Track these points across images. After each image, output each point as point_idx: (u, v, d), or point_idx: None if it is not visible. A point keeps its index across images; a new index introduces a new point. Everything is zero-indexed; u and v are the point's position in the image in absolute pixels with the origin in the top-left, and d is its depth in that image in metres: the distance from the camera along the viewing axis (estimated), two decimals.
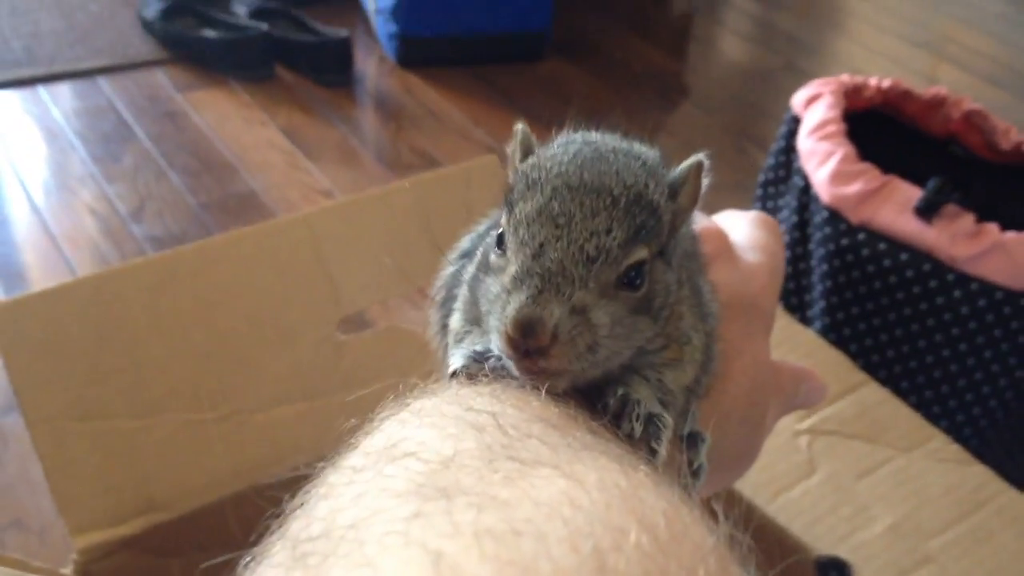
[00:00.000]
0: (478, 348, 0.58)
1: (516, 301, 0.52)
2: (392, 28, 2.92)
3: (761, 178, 2.03)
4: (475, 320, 0.60)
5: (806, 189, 1.84)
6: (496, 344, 0.54)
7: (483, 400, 0.50)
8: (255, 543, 0.43)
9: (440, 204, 1.18)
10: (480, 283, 0.57)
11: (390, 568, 0.35)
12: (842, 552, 1.15)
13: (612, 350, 0.54)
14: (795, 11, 3.76)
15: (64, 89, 2.68)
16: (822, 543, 1.16)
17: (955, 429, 1.73)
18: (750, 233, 0.82)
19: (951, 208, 1.64)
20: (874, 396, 1.36)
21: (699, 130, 2.88)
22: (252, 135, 2.58)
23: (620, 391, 0.57)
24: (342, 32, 2.89)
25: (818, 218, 1.80)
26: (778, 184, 1.97)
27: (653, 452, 0.55)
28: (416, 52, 2.95)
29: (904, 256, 1.68)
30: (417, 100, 2.83)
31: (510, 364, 0.53)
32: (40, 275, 2.04)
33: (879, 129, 1.98)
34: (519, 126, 0.61)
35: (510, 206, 0.56)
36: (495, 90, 2.92)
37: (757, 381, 0.72)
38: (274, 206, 2.31)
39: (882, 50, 3.52)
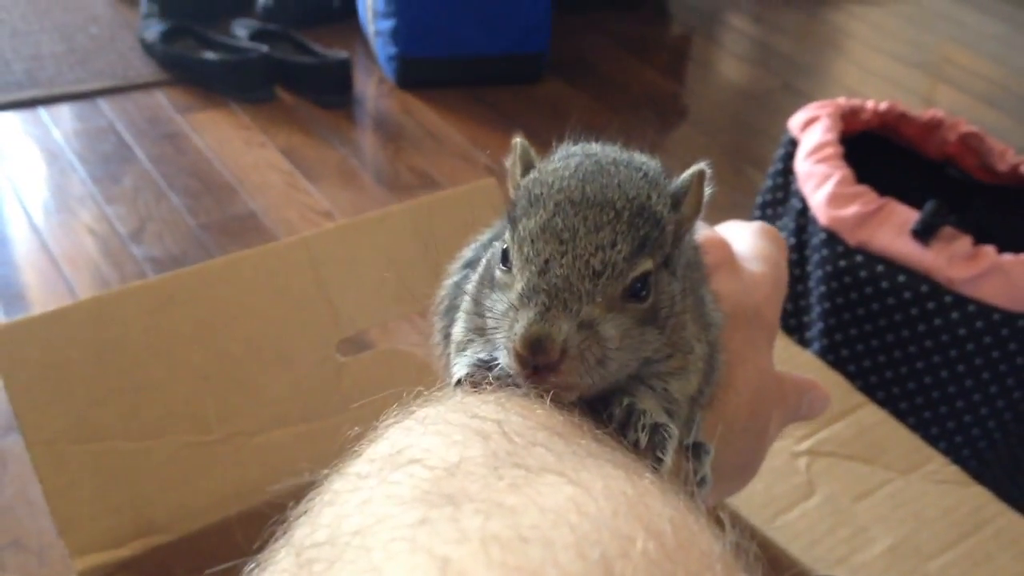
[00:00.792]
0: (482, 356, 0.58)
1: (524, 318, 0.52)
2: (392, 50, 2.93)
3: (759, 200, 2.04)
4: (478, 329, 0.60)
5: (803, 211, 1.85)
6: (505, 360, 0.54)
7: (488, 408, 0.50)
8: (259, 550, 0.42)
9: (439, 227, 1.18)
10: (485, 297, 0.58)
11: (397, 574, 0.35)
12: (840, 574, 1.15)
13: (621, 362, 0.55)
14: (793, 33, 3.78)
15: (65, 111, 2.69)
16: (821, 565, 1.16)
17: (953, 450, 1.73)
18: (753, 243, 0.82)
19: (948, 230, 1.65)
20: (872, 417, 1.36)
21: (697, 151, 2.89)
22: (252, 156, 2.58)
23: (626, 401, 0.57)
24: (342, 54, 2.90)
25: (815, 240, 1.80)
26: (776, 206, 1.98)
27: (659, 461, 0.55)
28: (415, 73, 2.97)
29: (901, 278, 1.68)
30: (416, 121, 2.84)
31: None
32: (40, 295, 2.04)
33: (876, 151, 1.99)
34: (517, 140, 0.61)
35: (513, 222, 0.56)
36: (494, 111, 2.93)
37: (760, 391, 0.72)
38: (274, 227, 2.31)
39: (879, 71, 3.53)
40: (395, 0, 2.85)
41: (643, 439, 0.55)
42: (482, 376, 0.56)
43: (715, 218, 0.82)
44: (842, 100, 1.97)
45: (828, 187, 1.76)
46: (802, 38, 3.77)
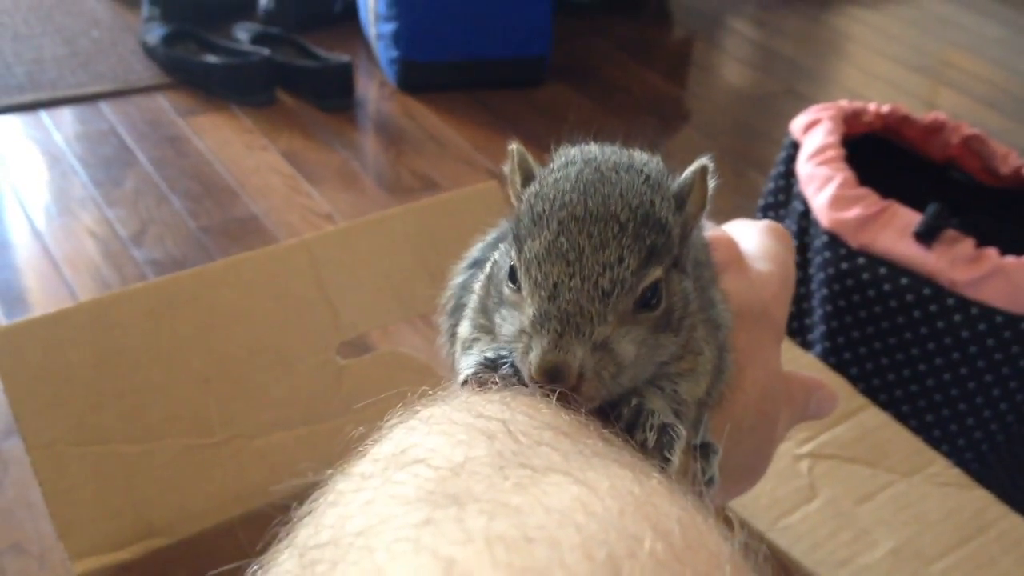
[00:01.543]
0: (488, 355, 0.57)
1: (538, 347, 0.52)
2: (393, 53, 2.93)
3: (761, 203, 2.04)
4: (484, 328, 0.60)
5: (806, 214, 1.84)
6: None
7: (493, 407, 0.50)
8: (261, 552, 0.42)
9: (440, 229, 1.18)
10: (494, 310, 0.58)
11: (400, 575, 0.34)
12: None
13: (638, 371, 0.55)
14: (795, 36, 3.78)
15: (66, 114, 2.69)
16: (823, 568, 1.16)
17: (956, 453, 1.72)
18: (760, 242, 0.82)
19: (951, 233, 1.64)
20: (874, 420, 1.35)
21: (699, 155, 2.83)
22: (253, 159, 2.58)
23: (634, 401, 0.56)
24: (343, 57, 2.90)
25: (818, 242, 1.80)
26: (778, 208, 1.98)
27: (666, 461, 0.55)
28: (417, 77, 2.97)
29: (904, 280, 1.68)
30: (418, 124, 2.84)
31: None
32: (41, 298, 2.04)
33: (878, 154, 1.99)
34: (513, 146, 0.60)
35: (519, 242, 0.55)
36: (495, 115, 2.93)
37: (768, 390, 0.72)
38: (275, 230, 2.31)
39: (881, 75, 3.53)
40: (396, 3, 2.85)
41: (651, 439, 0.55)
42: (489, 375, 0.56)
43: (717, 221, 0.81)
44: (844, 103, 1.97)
45: (830, 190, 1.76)
46: (804, 42, 3.77)
